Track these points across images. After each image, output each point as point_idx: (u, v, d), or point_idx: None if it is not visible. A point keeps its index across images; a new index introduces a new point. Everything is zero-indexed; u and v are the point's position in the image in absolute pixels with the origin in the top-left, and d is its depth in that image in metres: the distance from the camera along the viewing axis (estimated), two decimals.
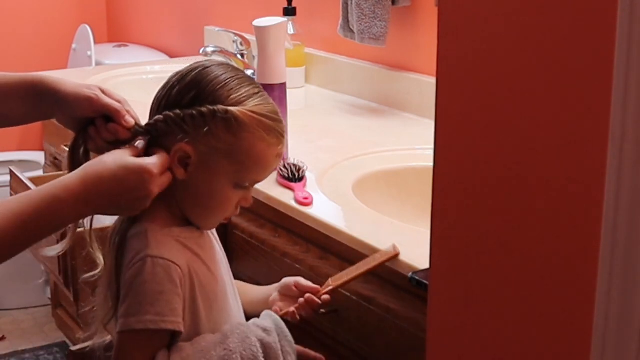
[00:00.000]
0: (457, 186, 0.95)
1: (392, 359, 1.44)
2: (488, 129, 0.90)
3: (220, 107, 1.28)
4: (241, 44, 2.73)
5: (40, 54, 3.64)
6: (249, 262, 1.78)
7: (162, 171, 1.28)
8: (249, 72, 2.64)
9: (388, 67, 2.30)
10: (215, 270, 1.36)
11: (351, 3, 2.18)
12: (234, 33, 2.76)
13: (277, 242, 1.69)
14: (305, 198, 1.62)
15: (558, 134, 0.82)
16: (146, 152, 1.31)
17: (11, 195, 2.19)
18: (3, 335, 3.13)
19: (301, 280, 1.46)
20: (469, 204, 0.93)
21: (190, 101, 1.29)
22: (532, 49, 0.83)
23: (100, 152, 1.32)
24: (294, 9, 2.50)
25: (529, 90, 0.84)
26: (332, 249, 1.54)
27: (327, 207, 1.62)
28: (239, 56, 2.71)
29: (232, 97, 1.29)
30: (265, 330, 1.34)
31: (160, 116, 1.30)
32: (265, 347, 1.32)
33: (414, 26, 2.21)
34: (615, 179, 0.75)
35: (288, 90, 1.82)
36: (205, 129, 1.28)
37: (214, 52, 2.67)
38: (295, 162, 1.70)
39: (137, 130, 1.32)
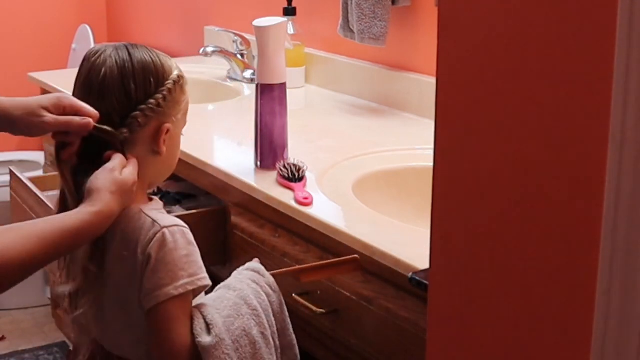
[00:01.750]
0: (457, 186, 0.95)
1: (392, 359, 1.44)
2: (488, 129, 0.90)
3: (173, 76, 1.42)
4: (241, 44, 2.73)
5: (40, 54, 3.64)
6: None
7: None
8: (249, 72, 2.65)
9: (388, 67, 2.30)
10: None
11: (351, 3, 2.18)
12: (234, 33, 2.76)
13: (277, 242, 1.69)
14: (305, 198, 1.62)
15: (558, 134, 0.82)
16: (94, 151, 1.37)
17: (11, 195, 2.20)
18: (3, 335, 3.13)
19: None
20: (469, 204, 0.93)
21: (156, 86, 1.39)
22: (532, 49, 0.83)
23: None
24: (294, 9, 2.50)
25: (529, 90, 0.84)
26: (332, 249, 1.54)
27: (327, 207, 1.62)
28: (239, 56, 2.71)
29: (168, 65, 1.43)
30: (255, 270, 1.47)
31: (138, 112, 1.37)
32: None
33: (414, 26, 2.21)
34: (615, 179, 0.75)
35: (288, 90, 1.82)
36: (175, 100, 1.41)
37: (214, 52, 2.67)
38: (295, 162, 1.70)
39: (119, 134, 1.38)
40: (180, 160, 1.96)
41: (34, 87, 2.89)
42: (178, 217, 1.86)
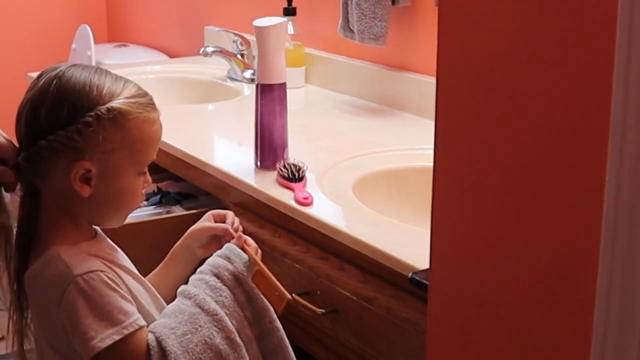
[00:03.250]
0: (457, 186, 0.95)
1: (392, 359, 1.44)
2: (488, 129, 0.90)
3: (102, 108, 1.25)
4: (241, 44, 2.73)
5: (40, 54, 3.63)
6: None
7: None
8: (249, 72, 2.65)
9: (388, 67, 2.30)
10: (132, 269, 1.36)
11: (351, 3, 2.18)
12: (234, 33, 2.76)
13: (277, 242, 1.69)
14: (305, 198, 1.62)
15: (558, 134, 0.82)
16: None
17: (11, 196, 2.19)
18: (3, 336, 3.12)
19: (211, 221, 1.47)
20: (469, 204, 0.93)
21: (68, 117, 1.25)
22: (532, 48, 0.83)
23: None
24: (294, 9, 2.50)
25: (529, 90, 0.84)
26: (332, 249, 1.54)
27: (327, 207, 1.62)
28: (239, 56, 2.71)
29: (103, 93, 1.27)
30: (225, 257, 1.36)
31: (43, 142, 1.25)
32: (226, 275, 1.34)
33: (414, 26, 2.21)
34: (615, 179, 0.75)
35: (288, 90, 1.82)
36: (99, 138, 1.25)
37: (214, 52, 2.67)
38: (295, 162, 1.70)
39: (17, 166, 1.28)
40: (180, 160, 1.97)
41: None
42: (178, 217, 1.87)
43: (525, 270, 0.87)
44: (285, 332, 1.73)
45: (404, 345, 1.40)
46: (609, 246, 0.76)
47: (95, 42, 3.31)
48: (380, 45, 2.18)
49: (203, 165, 1.89)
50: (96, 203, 1.30)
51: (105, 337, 1.22)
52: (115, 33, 3.77)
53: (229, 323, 1.31)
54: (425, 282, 1.21)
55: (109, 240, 1.39)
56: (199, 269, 1.38)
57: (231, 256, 1.37)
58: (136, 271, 1.38)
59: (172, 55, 3.32)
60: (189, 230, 1.48)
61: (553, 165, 0.83)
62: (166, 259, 1.48)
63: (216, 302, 1.31)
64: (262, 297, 1.37)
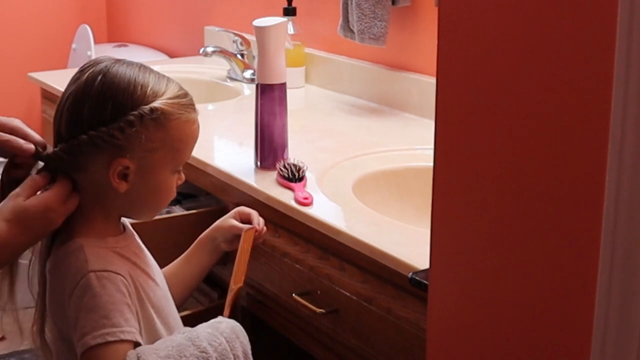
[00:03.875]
0: (457, 186, 0.95)
1: (392, 359, 1.44)
2: (488, 129, 0.90)
3: (145, 108, 1.26)
4: (241, 44, 2.73)
5: (40, 54, 3.64)
6: (248, 262, 1.78)
7: (65, 199, 1.26)
8: (249, 72, 2.65)
9: (388, 67, 2.30)
10: (154, 276, 1.36)
11: (351, 3, 2.18)
12: (234, 33, 2.76)
13: (277, 242, 1.69)
14: (305, 198, 1.62)
15: (558, 134, 0.82)
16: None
17: None
18: (3, 335, 3.12)
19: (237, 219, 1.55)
20: (469, 204, 0.93)
21: (112, 114, 1.25)
22: (532, 48, 0.83)
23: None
24: (294, 9, 2.50)
25: (529, 90, 0.84)
26: (332, 249, 1.54)
27: (327, 207, 1.62)
28: (239, 56, 2.71)
29: (147, 93, 1.27)
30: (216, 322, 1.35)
31: (84, 136, 1.25)
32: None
33: (414, 26, 2.21)
34: (615, 179, 0.75)
35: (288, 90, 1.82)
36: (142, 137, 1.25)
37: (214, 52, 2.67)
38: (295, 162, 1.70)
39: (55, 156, 1.29)
40: None
41: (34, 87, 2.89)
42: (178, 217, 1.87)
43: (525, 270, 0.87)
44: (285, 332, 1.73)
45: (404, 345, 1.40)
46: (609, 246, 0.76)
47: (95, 42, 3.31)
48: (380, 45, 2.18)
49: (203, 165, 1.89)
50: (131, 198, 1.30)
51: (97, 335, 1.22)
52: (115, 33, 3.78)
53: None
54: (425, 282, 1.21)
55: (138, 238, 1.39)
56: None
57: (220, 320, 1.36)
58: (155, 276, 1.37)
59: (172, 55, 3.32)
60: (216, 224, 1.55)
61: (553, 165, 0.83)
62: (191, 248, 1.54)
63: (209, 344, 1.29)
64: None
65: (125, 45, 3.50)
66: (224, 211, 1.87)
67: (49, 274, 1.32)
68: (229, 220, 1.55)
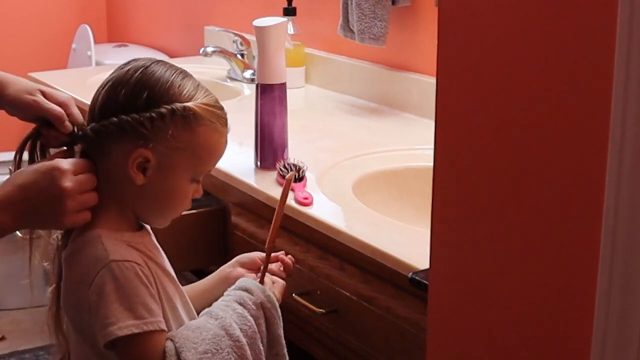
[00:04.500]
0: (457, 186, 0.95)
1: (392, 359, 1.44)
2: (488, 129, 0.90)
3: (179, 105, 1.27)
4: (241, 44, 2.73)
5: (40, 54, 3.64)
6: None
7: (77, 170, 1.26)
8: (249, 72, 2.65)
9: (388, 67, 2.30)
10: (170, 271, 1.36)
11: (351, 3, 2.18)
12: (234, 33, 2.76)
13: (277, 242, 1.68)
14: (305, 198, 1.62)
15: (558, 134, 0.82)
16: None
17: None
18: (3, 335, 3.13)
19: (259, 254, 1.48)
20: (469, 204, 0.93)
21: (145, 103, 1.27)
22: (532, 48, 0.83)
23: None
24: (294, 9, 2.50)
25: (529, 90, 0.84)
26: (332, 249, 1.54)
27: (327, 207, 1.62)
28: (239, 56, 2.71)
29: (183, 93, 1.29)
30: (244, 289, 1.36)
31: (115, 119, 1.26)
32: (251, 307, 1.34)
33: (414, 26, 2.21)
34: (615, 179, 0.75)
35: (288, 90, 1.82)
36: (168, 132, 1.26)
37: (214, 52, 2.67)
38: (295, 162, 1.70)
39: (83, 134, 1.30)
40: None
41: None
42: (178, 217, 1.86)
43: (525, 271, 0.87)
44: (285, 332, 1.73)
45: (404, 345, 1.40)
46: (609, 246, 0.76)
47: (95, 42, 3.31)
48: (380, 45, 2.18)
49: None
50: (145, 195, 1.30)
51: (124, 327, 1.23)
52: (115, 33, 3.77)
53: (248, 352, 1.31)
54: (425, 282, 1.21)
55: (154, 239, 1.39)
56: (221, 299, 1.38)
57: (249, 287, 1.37)
58: (173, 274, 1.37)
59: (172, 55, 3.32)
60: (225, 275, 1.48)
61: (553, 165, 0.83)
62: (216, 280, 1.49)
63: (241, 329, 1.31)
64: (279, 327, 1.38)
65: (125, 45, 3.50)
66: (224, 211, 1.87)
67: (64, 263, 1.32)
68: (236, 271, 1.49)
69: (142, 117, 1.26)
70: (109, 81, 1.31)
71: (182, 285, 1.53)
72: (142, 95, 1.27)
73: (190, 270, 1.98)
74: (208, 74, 2.79)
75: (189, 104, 1.28)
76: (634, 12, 0.72)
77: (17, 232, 1.34)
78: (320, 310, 1.54)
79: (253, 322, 1.33)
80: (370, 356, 1.49)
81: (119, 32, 3.75)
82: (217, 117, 1.32)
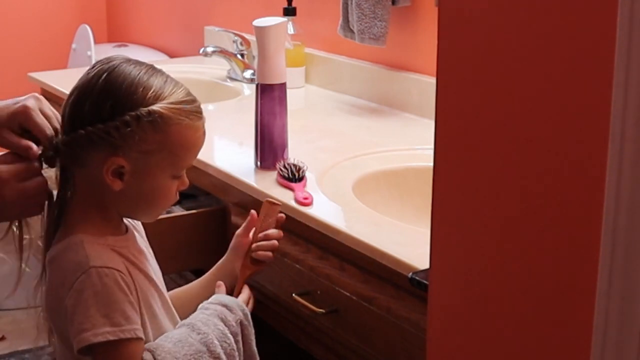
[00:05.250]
0: (457, 186, 0.95)
1: (392, 359, 1.44)
2: (488, 129, 0.90)
3: (143, 110, 1.26)
4: (241, 44, 2.73)
5: (40, 54, 3.64)
6: None
7: (20, 176, 1.28)
8: (249, 72, 2.65)
9: (388, 67, 2.30)
10: (152, 276, 1.36)
11: (351, 3, 2.18)
12: (234, 33, 2.76)
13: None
14: (305, 198, 1.62)
15: (558, 134, 0.82)
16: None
17: None
18: (3, 335, 3.12)
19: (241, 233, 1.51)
20: (469, 204, 0.93)
21: (110, 112, 1.26)
22: (532, 48, 0.83)
23: None
24: (294, 9, 2.50)
25: (529, 90, 0.84)
26: (332, 249, 1.54)
27: (327, 207, 1.62)
28: (239, 56, 2.71)
29: (148, 95, 1.27)
30: (223, 305, 1.38)
31: (82, 131, 1.26)
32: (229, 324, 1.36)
33: (414, 26, 2.21)
34: (615, 179, 0.75)
35: (288, 90, 1.82)
36: (136, 137, 1.26)
37: (214, 52, 2.67)
38: (295, 162, 1.70)
39: (55, 148, 1.30)
40: None
41: (34, 87, 2.89)
42: (178, 217, 1.87)
43: (525, 270, 0.87)
44: (285, 331, 1.73)
45: (404, 345, 1.40)
46: (609, 246, 0.76)
47: (95, 42, 3.31)
48: (380, 45, 2.18)
49: (203, 165, 1.89)
50: (127, 198, 1.30)
51: (99, 333, 1.22)
52: (115, 33, 3.77)
53: None
54: (425, 282, 1.21)
55: (141, 240, 1.39)
56: (200, 311, 1.38)
57: (228, 303, 1.39)
58: (157, 279, 1.37)
59: (172, 55, 3.32)
60: (225, 265, 1.51)
61: (553, 165, 0.83)
62: (219, 276, 1.49)
63: (221, 347, 1.32)
64: (254, 343, 1.41)
65: (125, 45, 3.50)
66: (224, 211, 1.87)
67: (48, 266, 1.33)
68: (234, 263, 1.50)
69: (108, 127, 1.26)
70: (74, 90, 1.30)
71: (181, 284, 1.54)
72: (107, 105, 1.26)
73: (190, 270, 1.99)
74: (208, 74, 2.79)
75: (154, 107, 1.27)
76: (634, 12, 0.72)
77: (14, 229, 1.36)
78: (320, 310, 1.54)
79: (232, 340, 1.34)
80: (370, 356, 1.48)
81: (119, 32, 3.75)
82: (187, 114, 1.30)
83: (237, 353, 1.35)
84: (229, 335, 1.34)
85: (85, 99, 1.28)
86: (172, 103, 1.29)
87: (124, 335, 1.23)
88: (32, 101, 1.34)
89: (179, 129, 1.29)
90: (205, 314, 1.36)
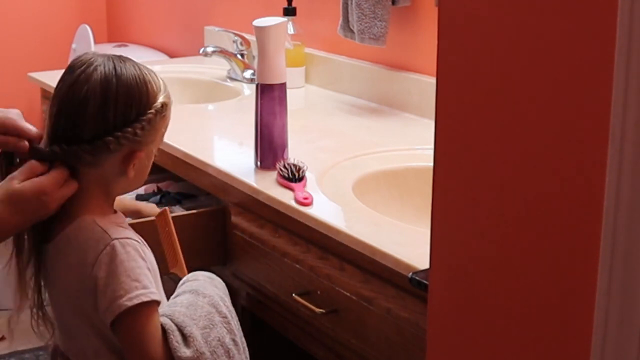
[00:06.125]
0: (457, 186, 0.95)
1: (392, 359, 1.44)
2: (488, 129, 0.90)
3: (157, 105, 1.37)
4: (241, 44, 2.73)
5: (40, 54, 3.63)
6: (249, 262, 1.78)
7: (60, 184, 1.33)
8: (249, 72, 2.65)
9: (388, 67, 2.30)
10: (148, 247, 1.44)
11: (351, 3, 2.18)
12: (234, 33, 2.76)
13: (277, 242, 1.69)
14: (305, 198, 1.62)
15: (558, 134, 0.82)
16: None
17: None
18: (3, 335, 3.12)
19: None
20: (469, 204, 0.93)
21: (137, 115, 1.35)
22: (532, 48, 0.83)
23: None
24: (294, 9, 2.50)
25: (529, 90, 0.84)
26: (332, 249, 1.54)
27: (327, 207, 1.62)
28: (239, 56, 2.71)
29: (155, 88, 1.38)
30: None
31: (111, 138, 1.33)
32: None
33: (414, 26, 2.21)
34: (615, 179, 0.75)
35: (288, 90, 1.82)
36: (152, 130, 1.37)
37: (214, 52, 2.67)
38: (295, 162, 1.70)
39: (76, 155, 1.34)
40: (180, 160, 1.97)
41: (34, 87, 2.89)
42: (178, 217, 1.87)
43: (525, 270, 0.87)
44: (285, 331, 1.73)
45: (404, 345, 1.40)
46: (609, 246, 0.76)
47: (95, 42, 3.31)
48: (380, 45, 2.18)
49: (203, 165, 1.89)
50: (129, 181, 1.41)
51: (133, 297, 1.30)
52: (115, 33, 3.77)
53: (234, 326, 1.42)
54: (425, 282, 1.21)
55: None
56: (190, 277, 1.51)
57: (209, 275, 1.52)
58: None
59: (172, 55, 3.32)
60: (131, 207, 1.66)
61: (553, 165, 0.83)
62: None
63: (225, 306, 1.43)
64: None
65: (125, 45, 3.50)
66: (224, 211, 1.87)
67: (58, 253, 1.38)
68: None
69: (135, 128, 1.35)
70: (84, 98, 1.33)
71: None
72: (132, 108, 1.35)
73: (189, 270, 1.98)
74: (208, 74, 2.79)
75: (163, 100, 1.38)
76: (634, 12, 0.72)
77: None
78: (320, 310, 1.54)
79: (229, 301, 1.47)
80: (370, 356, 1.49)
81: (119, 32, 3.75)
82: (170, 95, 1.42)
83: (234, 313, 1.45)
84: (225, 297, 1.45)
85: (107, 108, 1.33)
86: (165, 89, 1.41)
87: (154, 297, 1.33)
88: (16, 111, 1.39)
89: (170, 110, 1.42)
90: (199, 280, 1.47)
